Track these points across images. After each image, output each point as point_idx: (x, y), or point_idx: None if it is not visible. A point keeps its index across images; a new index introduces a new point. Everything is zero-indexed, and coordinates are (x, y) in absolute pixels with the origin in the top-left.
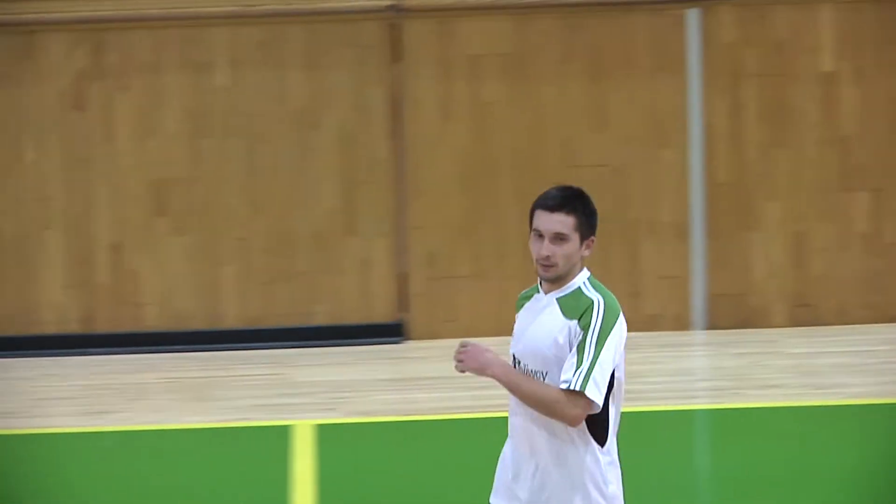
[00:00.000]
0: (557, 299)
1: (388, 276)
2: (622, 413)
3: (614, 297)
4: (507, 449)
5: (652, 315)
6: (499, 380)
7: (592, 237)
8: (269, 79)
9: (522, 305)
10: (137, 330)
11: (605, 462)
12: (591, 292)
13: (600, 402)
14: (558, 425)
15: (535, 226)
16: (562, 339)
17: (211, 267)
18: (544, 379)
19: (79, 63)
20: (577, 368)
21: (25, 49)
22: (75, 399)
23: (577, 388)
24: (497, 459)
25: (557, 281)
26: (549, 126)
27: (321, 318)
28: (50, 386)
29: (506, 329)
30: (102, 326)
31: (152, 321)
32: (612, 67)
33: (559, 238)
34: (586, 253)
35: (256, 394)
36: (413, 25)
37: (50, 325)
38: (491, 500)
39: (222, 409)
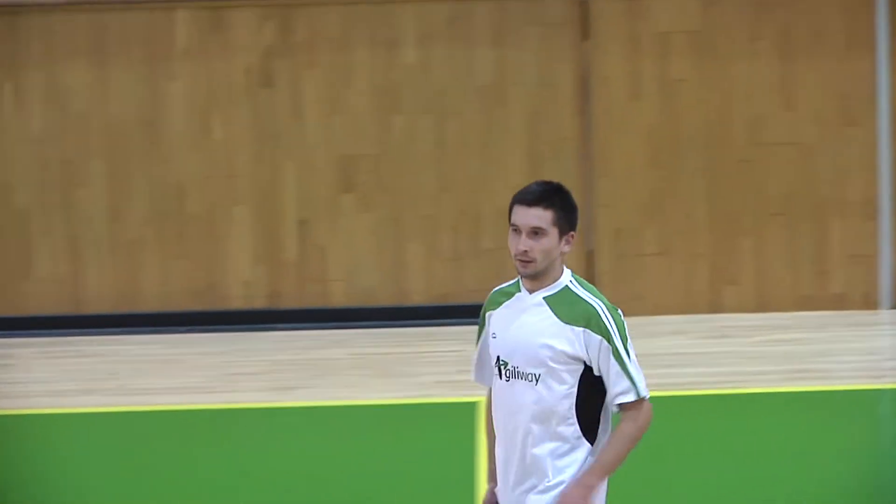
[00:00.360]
0: (545, 299)
1: (575, 252)
2: None
3: (601, 293)
4: (499, 447)
5: (839, 294)
6: (603, 479)
7: (572, 232)
8: (457, 56)
9: (500, 303)
10: (324, 306)
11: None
12: (584, 294)
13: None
14: (554, 434)
15: (512, 221)
16: (560, 345)
17: (398, 243)
18: (537, 382)
19: (267, 39)
20: (631, 380)
21: (214, 24)
22: (262, 374)
23: (642, 395)
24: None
25: (538, 278)
26: (737, 104)
27: None
28: (237, 361)
29: (693, 307)
30: (289, 302)
31: (339, 297)
32: (801, 46)
33: (536, 233)
34: (566, 248)
35: (442, 370)
36: (601, 3)
37: (237, 301)
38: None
39: (408, 385)
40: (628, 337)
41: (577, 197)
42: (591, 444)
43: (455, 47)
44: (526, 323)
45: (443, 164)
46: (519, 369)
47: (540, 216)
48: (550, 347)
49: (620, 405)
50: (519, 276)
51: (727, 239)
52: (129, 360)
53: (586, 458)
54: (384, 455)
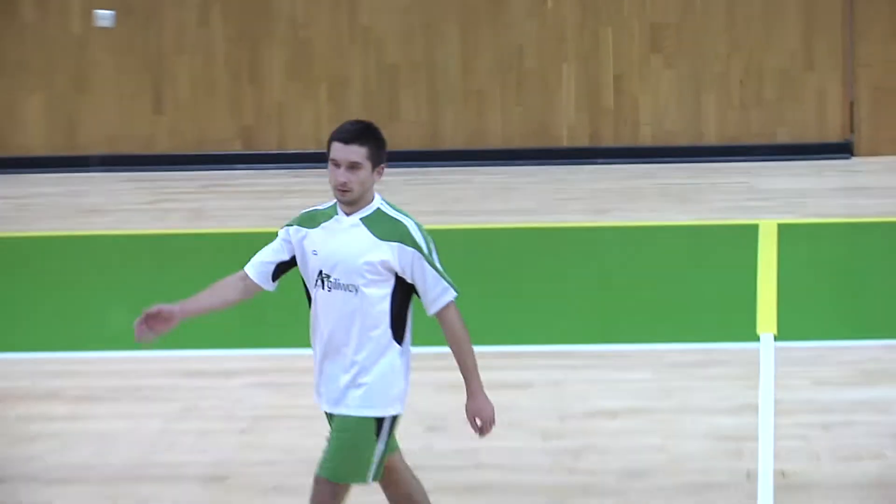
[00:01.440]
0: (362, 220)
1: (839, 103)
2: None
3: (411, 214)
4: (316, 346)
5: None
6: (481, 384)
7: (382, 165)
8: None
9: (318, 223)
10: (635, 145)
11: (404, 360)
12: (396, 214)
13: None
14: (367, 327)
15: (332, 156)
16: (376, 259)
17: (695, 95)
18: (357, 292)
19: None
20: (445, 282)
21: None
22: (584, 200)
23: (457, 292)
24: None
25: (354, 204)
26: None
27: (784, 138)
28: (563, 189)
29: None
30: (606, 141)
31: (647, 138)
32: None
33: (354, 166)
34: (377, 178)
35: (730, 198)
36: None
37: (563, 140)
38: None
39: (703, 210)
40: (434, 249)
41: (841, 59)
42: (400, 345)
43: None
44: (346, 241)
45: (733, 31)
46: (340, 281)
47: (357, 152)
48: (369, 262)
49: (441, 307)
50: (336, 202)
51: None
52: (476, 188)
53: (395, 357)
54: (681, 267)
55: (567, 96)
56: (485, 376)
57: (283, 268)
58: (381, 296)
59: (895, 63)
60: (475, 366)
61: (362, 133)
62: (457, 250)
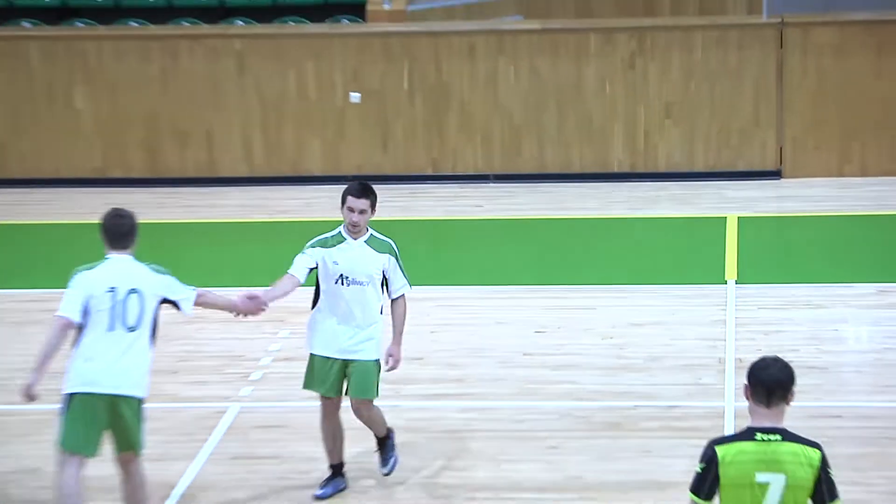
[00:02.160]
0: (366, 242)
1: (773, 147)
2: None
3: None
4: (329, 320)
5: None
6: (401, 341)
7: (374, 209)
8: None
9: (334, 245)
10: (655, 171)
11: (382, 324)
12: (382, 237)
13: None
14: (371, 306)
15: (348, 205)
16: (379, 265)
17: (690, 142)
18: (366, 286)
19: None
20: (405, 279)
21: None
22: (625, 202)
23: (409, 290)
24: None
25: (359, 233)
26: None
27: (741, 167)
28: (614, 196)
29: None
30: (639, 169)
31: (662, 167)
32: None
33: (362, 212)
34: (372, 216)
35: (709, 202)
36: None
37: (615, 168)
38: (316, 351)
39: (694, 209)
40: (400, 258)
41: (775, 121)
42: (381, 314)
43: None
44: (358, 255)
45: (712, 106)
46: (356, 280)
47: (364, 203)
48: (375, 267)
49: (399, 295)
50: (342, 230)
51: None
52: (565, 195)
53: (380, 322)
54: (681, 241)
55: (617, 143)
56: (567, 303)
57: (311, 270)
58: (377, 287)
59: (808, 124)
60: (402, 332)
61: (367, 191)
62: (555, 231)
